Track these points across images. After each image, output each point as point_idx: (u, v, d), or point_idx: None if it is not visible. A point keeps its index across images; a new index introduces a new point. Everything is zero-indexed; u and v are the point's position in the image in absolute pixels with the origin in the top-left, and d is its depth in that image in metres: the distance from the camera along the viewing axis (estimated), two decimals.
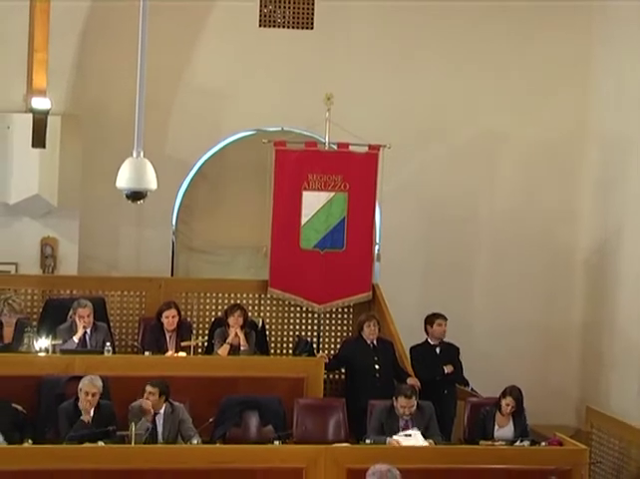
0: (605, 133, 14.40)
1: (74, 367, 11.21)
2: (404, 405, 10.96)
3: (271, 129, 14.16)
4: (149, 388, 10.49)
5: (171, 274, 14.26)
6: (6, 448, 10.10)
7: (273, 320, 13.41)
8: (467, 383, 13.00)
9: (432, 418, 11.20)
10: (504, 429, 11.23)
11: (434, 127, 14.39)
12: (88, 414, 10.37)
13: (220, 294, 13.34)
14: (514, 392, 11.30)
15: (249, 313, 12.77)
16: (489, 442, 11.09)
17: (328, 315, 13.55)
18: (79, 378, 10.60)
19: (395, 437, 10.74)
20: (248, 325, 12.52)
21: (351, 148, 13.37)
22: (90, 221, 13.62)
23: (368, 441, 10.88)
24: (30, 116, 12.96)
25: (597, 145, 14.57)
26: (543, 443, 11.07)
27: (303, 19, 14.29)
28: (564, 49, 14.66)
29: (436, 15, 14.37)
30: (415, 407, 11.00)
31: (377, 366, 12.36)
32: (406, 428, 10.95)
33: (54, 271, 13.41)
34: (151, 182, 8.13)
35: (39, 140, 12.95)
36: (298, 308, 13.47)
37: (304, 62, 14.16)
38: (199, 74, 14.07)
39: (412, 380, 12.16)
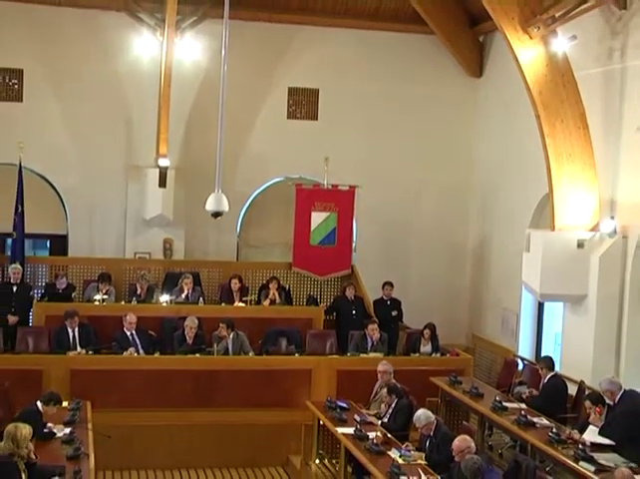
0: (482, 178, 14.35)
1: (181, 312, 11.22)
2: (372, 328, 10.99)
3: (293, 176, 14.08)
4: (220, 324, 10.51)
5: (237, 259, 14.17)
6: (144, 357, 10.20)
7: (295, 286, 13.34)
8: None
9: (385, 342, 11.18)
10: (426, 347, 11.20)
11: (387, 175, 14.27)
12: (190, 339, 10.43)
13: (264, 271, 13.25)
14: (431, 325, 11.31)
15: (281, 281, 12.75)
16: (417, 354, 11.09)
17: (326, 283, 13.47)
18: (185, 318, 10.63)
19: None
20: (281, 288, 12.51)
21: (339, 187, 13.33)
22: (191, 229, 13.54)
23: (349, 354, 10.92)
24: (157, 169, 13.08)
25: (478, 185, 14.50)
26: (448, 354, 11.13)
27: (312, 114, 14.22)
28: (459, 129, 14.53)
29: (391, 108, 14.29)
30: (378, 333, 10.99)
31: (354, 312, 12.36)
32: (372, 346, 10.93)
33: (171, 257, 13.38)
34: (225, 206, 8.08)
35: (162, 182, 13.08)
36: (309, 278, 13.39)
37: (312, 138, 14.06)
38: (253, 144, 13.98)
39: (373, 319, 12.10)
